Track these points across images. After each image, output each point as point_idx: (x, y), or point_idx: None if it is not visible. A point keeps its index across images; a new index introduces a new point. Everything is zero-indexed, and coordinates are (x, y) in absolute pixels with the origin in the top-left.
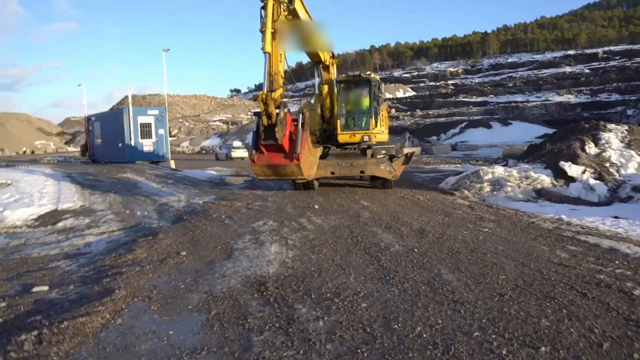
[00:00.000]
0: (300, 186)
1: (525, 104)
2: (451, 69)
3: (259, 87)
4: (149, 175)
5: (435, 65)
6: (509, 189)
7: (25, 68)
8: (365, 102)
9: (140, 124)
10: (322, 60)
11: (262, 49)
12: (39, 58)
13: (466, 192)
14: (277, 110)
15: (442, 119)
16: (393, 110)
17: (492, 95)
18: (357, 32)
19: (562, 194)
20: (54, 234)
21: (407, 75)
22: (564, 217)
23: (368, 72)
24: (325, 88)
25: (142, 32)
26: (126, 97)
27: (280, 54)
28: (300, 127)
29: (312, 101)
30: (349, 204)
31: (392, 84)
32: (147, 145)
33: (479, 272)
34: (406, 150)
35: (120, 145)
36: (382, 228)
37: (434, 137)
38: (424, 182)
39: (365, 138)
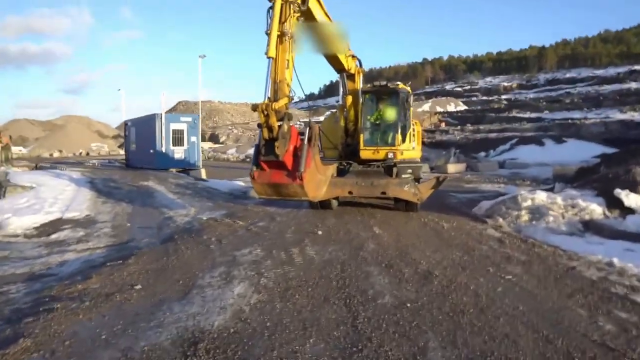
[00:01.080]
0: (317, 205)
1: (583, 121)
2: (505, 84)
3: (310, 96)
4: (169, 184)
5: (488, 79)
6: (551, 219)
7: (92, 73)
8: (392, 115)
9: (173, 130)
10: (346, 68)
11: (266, 53)
12: (104, 64)
13: (500, 220)
14: (281, 123)
15: (493, 135)
16: (443, 124)
17: (547, 112)
18: (410, 44)
19: (616, 229)
20: (40, 247)
21: (459, 89)
22: (615, 261)
23: (397, 83)
24: (349, 99)
25: (198, 40)
26: (179, 102)
27: (287, 60)
28: (306, 142)
29: (337, 113)
30: (357, 231)
31: (444, 98)
32: (179, 152)
33: (481, 349)
34: (451, 169)
35: (151, 151)
36: (380, 267)
37: (482, 153)
38: (457, 205)
39: (390, 155)
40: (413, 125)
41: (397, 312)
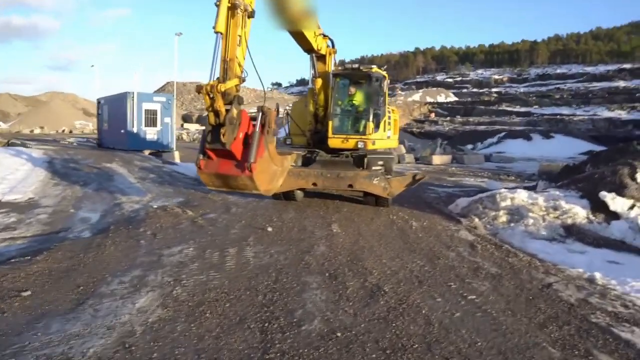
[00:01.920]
0: (280, 196)
1: (571, 117)
2: (496, 77)
3: (301, 81)
4: (133, 167)
5: (480, 71)
6: (531, 221)
7: (80, 51)
8: (364, 101)
9: (145, 110)
10: (315, 48)
11: (213, 27)
12: (93, 41)
13: (476, 220)
14: (229, 107)
15: (482, 127)
16: (432, 115)
17: (536, 106)
18: (402, 33)
19: (600, 234)
20: None
21: (450, 80)
22: (597, 276)
23: (371, 66)
24: (319, 82)
25: (188, 19)
26: (167, 83)
27: (240, 36)
28: (258, 129)
29: (307, 97)
30: (313, 229)
31: (435, 88)
32: (151, 133)
33: None
34: (437, 160)
35: (122, 131)
36: (322, 278)
37: (470, 146)
38: (434, 201)
39: (360, 144)
40: (389, 112)
41: (322, 344)
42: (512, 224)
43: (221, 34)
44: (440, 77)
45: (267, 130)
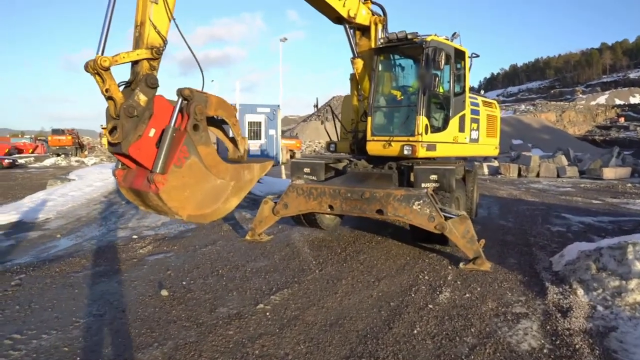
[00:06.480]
0: (302, 220)
1: None
2: None
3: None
4: None
5: None
6: None
7: (262, 73)
8: (415, 84)
9: (248, 122)
10: (345, 15)
11: None
12: (271, 64)
13: (579, 292)
14: (137, 90)
15: None
16: (621, 120)
17: None
18: (583, 28)
19: None
20: None
21: None
22: None
23: (427, 34)
24: (359, 64)
25: None
26: (333, 97)
27: None
28: (173, 123)
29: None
30: (227, 302)
31: (626, 88)
32: (255, 147)
33: None
34: (608, 174)
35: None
36: None
37: None
38: (543, 240)
39: (407, 150)
40: (475, 106)
41: None
42: None
43: None
44: (634, 74)
45: (196, 125)
